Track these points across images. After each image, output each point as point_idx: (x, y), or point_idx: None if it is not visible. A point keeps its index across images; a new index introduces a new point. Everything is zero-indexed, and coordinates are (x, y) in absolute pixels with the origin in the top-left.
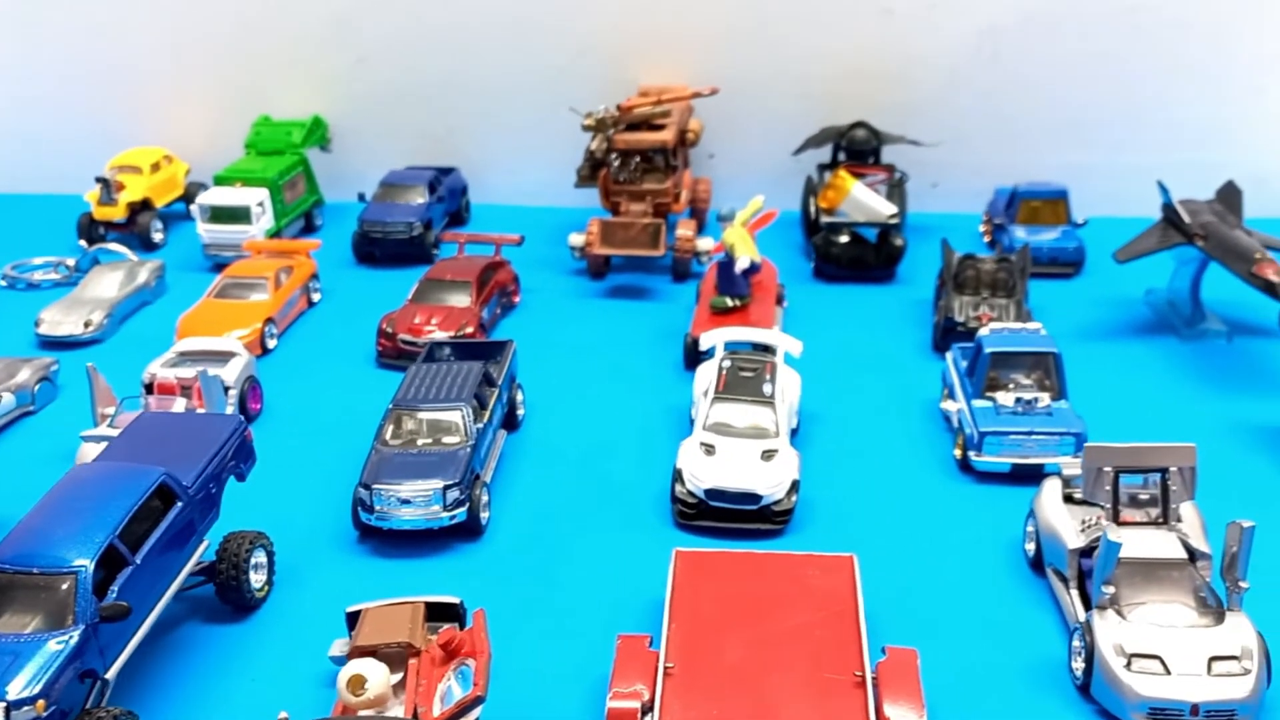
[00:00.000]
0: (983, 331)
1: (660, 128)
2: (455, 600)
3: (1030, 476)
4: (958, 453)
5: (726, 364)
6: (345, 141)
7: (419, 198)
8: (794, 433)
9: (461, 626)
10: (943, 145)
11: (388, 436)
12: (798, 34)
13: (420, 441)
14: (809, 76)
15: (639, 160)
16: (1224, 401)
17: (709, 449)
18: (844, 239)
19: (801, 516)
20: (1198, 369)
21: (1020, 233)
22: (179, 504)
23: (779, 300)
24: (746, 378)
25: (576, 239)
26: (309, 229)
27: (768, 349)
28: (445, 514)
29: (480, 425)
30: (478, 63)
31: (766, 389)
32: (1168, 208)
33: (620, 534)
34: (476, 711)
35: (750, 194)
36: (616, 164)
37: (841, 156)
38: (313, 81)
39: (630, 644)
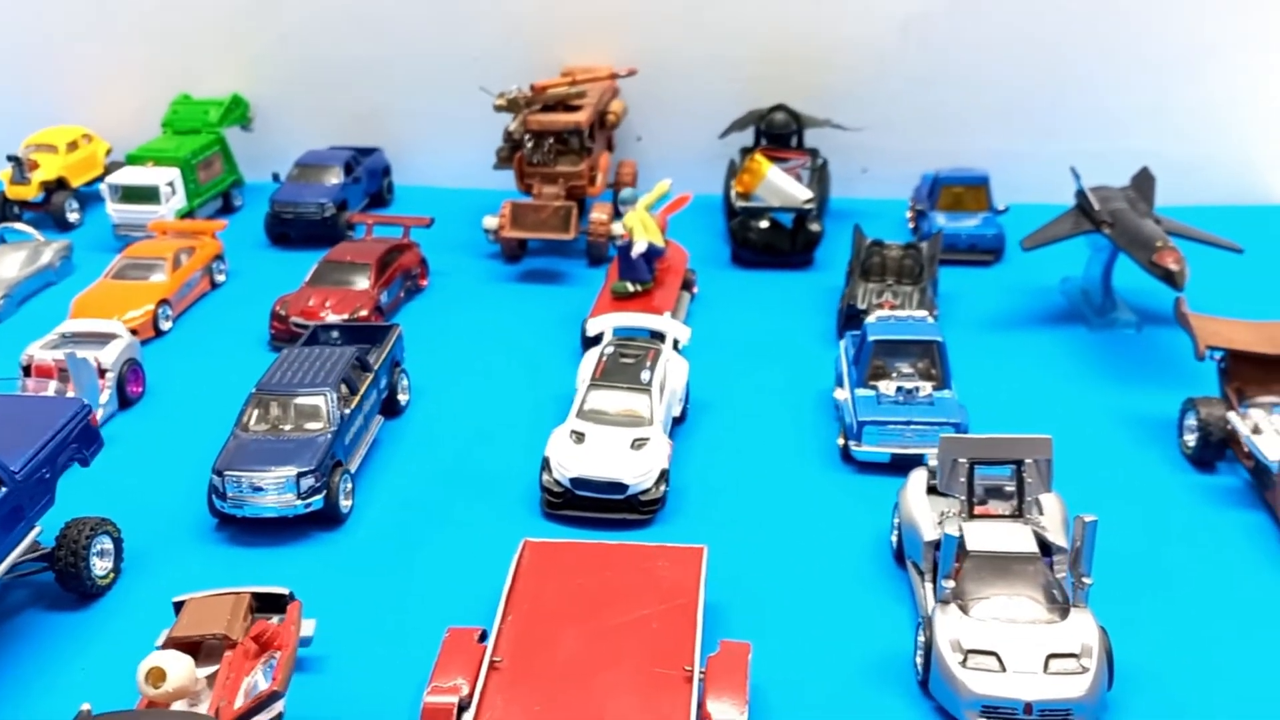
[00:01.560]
0: (869, 319)
1: (577, 109)
2: (284, 591)
3: (910, 467)
4: (841, 442)
5: (609, 350)
6: (268, 121)
7: (333, 178)
8: (680, 420)
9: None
10: (868, 130)
11: (248, 421)
12: (726, 16)
13: (283, 427)
14: (737, 59)
15: (553, 142)
16: (1121, 392)
17: (579, 437)
18: (764, 224)
19: (674, 506)
20: (1101, 359)
21: (941, 219)
22: (3, 489)
23: (688, 285)
24: (626, 364)
25: (490, 221)
26: (227, 209)
27: (660, 336)
28: (300, 502)
29: (347, 411)
30: (402, 42)
31: (644, 376)
32: (1080, 194)
33: (485, 524)
34: (278, 707)
35: (678, 177)
36: (530, 145)
37: (764, 141)
38: (236, 60)
39: (457, 637)
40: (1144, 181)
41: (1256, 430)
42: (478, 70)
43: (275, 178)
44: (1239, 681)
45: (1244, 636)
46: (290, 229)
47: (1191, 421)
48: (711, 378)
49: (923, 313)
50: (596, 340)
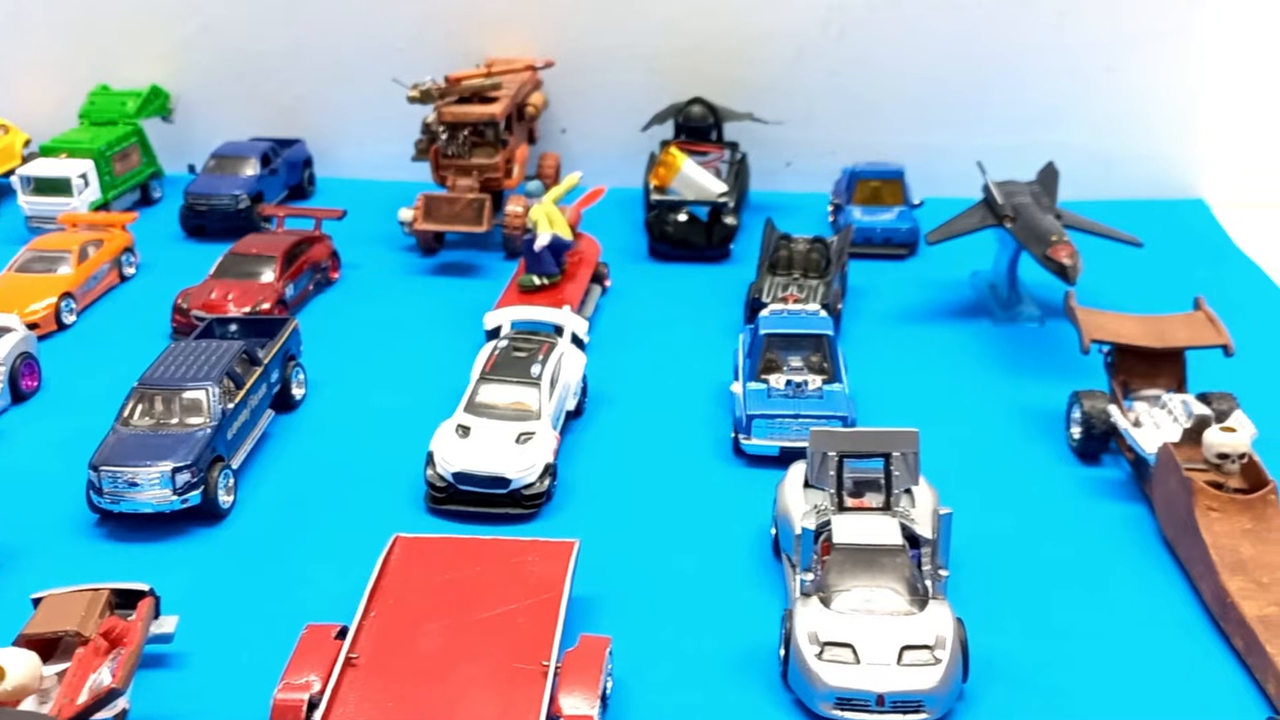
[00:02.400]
0: (763, 313)
1: (492, 101)
2: (144, 587)
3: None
4: (733, 435)
5: (502, 344)
6: (191, 112)
7: (250, 170)
8: (576, 414)
9: (157, 614)
10: (791, 123)
11: (129, 416)
12: (649, 7)
13: (166, 421)
14: (659, 51)
15: (467, 134)
16: (1017, 385)
17: (464, 431)
18: (682, 217)
19: (561, 500)
20: (1002, 352)
21: (858, 213)
22: None
23: (599, 279)
24: (518, 358)
25: (406, 214)
26: (146, 201)
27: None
28: (176, 497)
29: (231, 406)
30: (325, 32)
31: (534, 370)
32: (985, 189)
33: (367, 520)
34: (120, 704)
35: (601, 170)
36: (444, 138)
37: (683, 135)
38: (157, 50)
39: (314, 634)
40: (1049, 176)
41: (1137, 423)
42: (401, 61)
43: (191, 169)
44: (1098, 673)
45: (1107, 628)
46: (205, 221)
47: (1076, 414)
48: (614, 371)
49: (815, 306)
50: (498, 334)
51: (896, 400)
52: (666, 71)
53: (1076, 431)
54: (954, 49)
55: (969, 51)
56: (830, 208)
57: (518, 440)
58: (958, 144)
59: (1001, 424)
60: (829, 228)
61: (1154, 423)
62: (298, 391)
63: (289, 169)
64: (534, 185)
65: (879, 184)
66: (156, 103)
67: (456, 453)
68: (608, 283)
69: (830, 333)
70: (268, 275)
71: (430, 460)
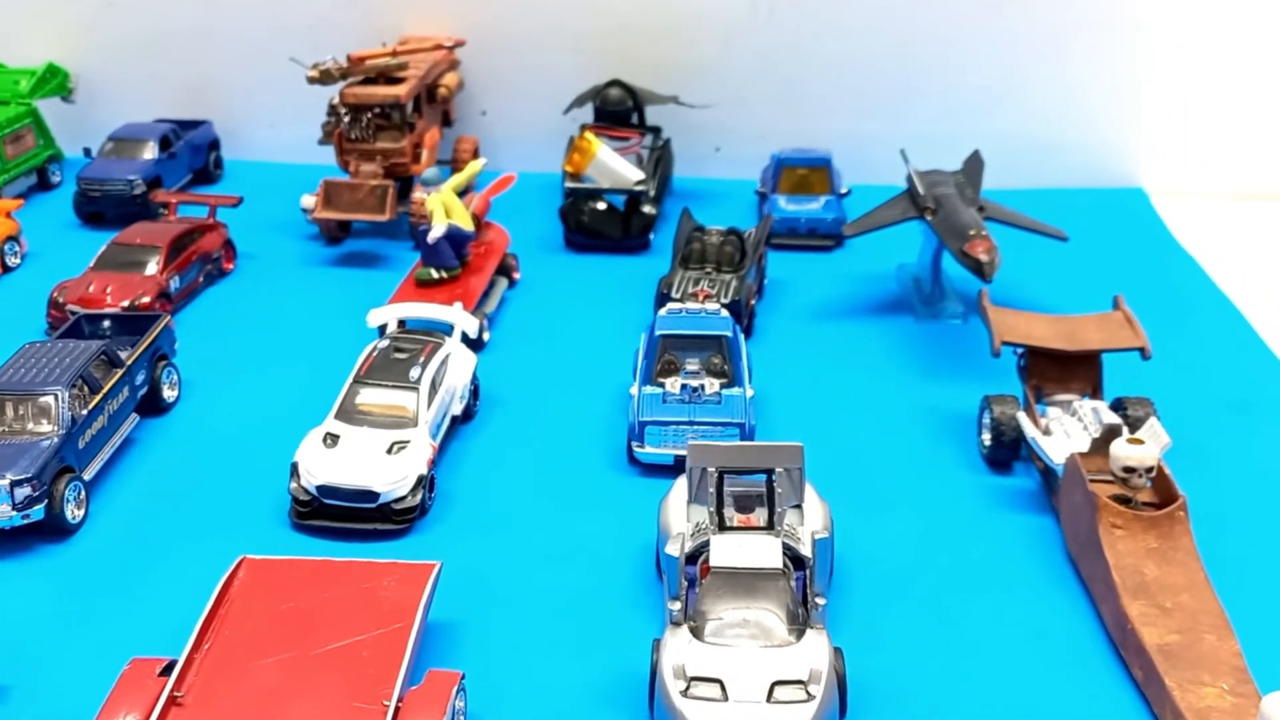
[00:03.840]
0: (661, 312)
1: (400, 81)
2: None
3: None
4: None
5: (383, 344)
6: (93, 92)
7: (147, 153)
8: (465, 419)
9: None
10: (719, 107)
11: None
12: None
13: (11, 429)
14: (584, 31)
15: (370, 117)
16: (934, 386)
17: (332, 440)
18: (600, 206)
19: (438, 514)
20: (921, 351)
21: (783, 202)
22: None
23: (507, 271)
24: (398, 360)
25: (307, 200)
26: (43, 186)
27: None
28: (15, 513)
29: (85, 412)
30: (232, 7)
31: (413, 373)
32: (908, 179)
33: (227, 536)
34: None
35: (522, 154)
36: (347, 120)
37: (605, 120)
38: (54, 26)
39: (138, 669)
40: (974, 165)
41: (1046, 431)
42: (310, 38)
43: (86, 153)
44: (987, 701)
45: (1000, 652)
46: (100, 208)
47: (986, 420)
48: (512, 370)
49: (716, 306)
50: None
51: (804, 403)
52: (592, 52)
53: (986, 438)
54: (888, 32)
55: (903, 34)
56: (758, 197)
57: (390, 450)
58: (891, 130)
59: (912, 428)
60: (757, 216)
61: (1064, 431)
62: (169, 393)
63: (192, 152)
64: (430, 173)
65: (805, 172)
66: (54, 82)
67: (321, 464)
68: (516, 275)
69: (729, 334)
70: (151, 267)
71: (294, 472)
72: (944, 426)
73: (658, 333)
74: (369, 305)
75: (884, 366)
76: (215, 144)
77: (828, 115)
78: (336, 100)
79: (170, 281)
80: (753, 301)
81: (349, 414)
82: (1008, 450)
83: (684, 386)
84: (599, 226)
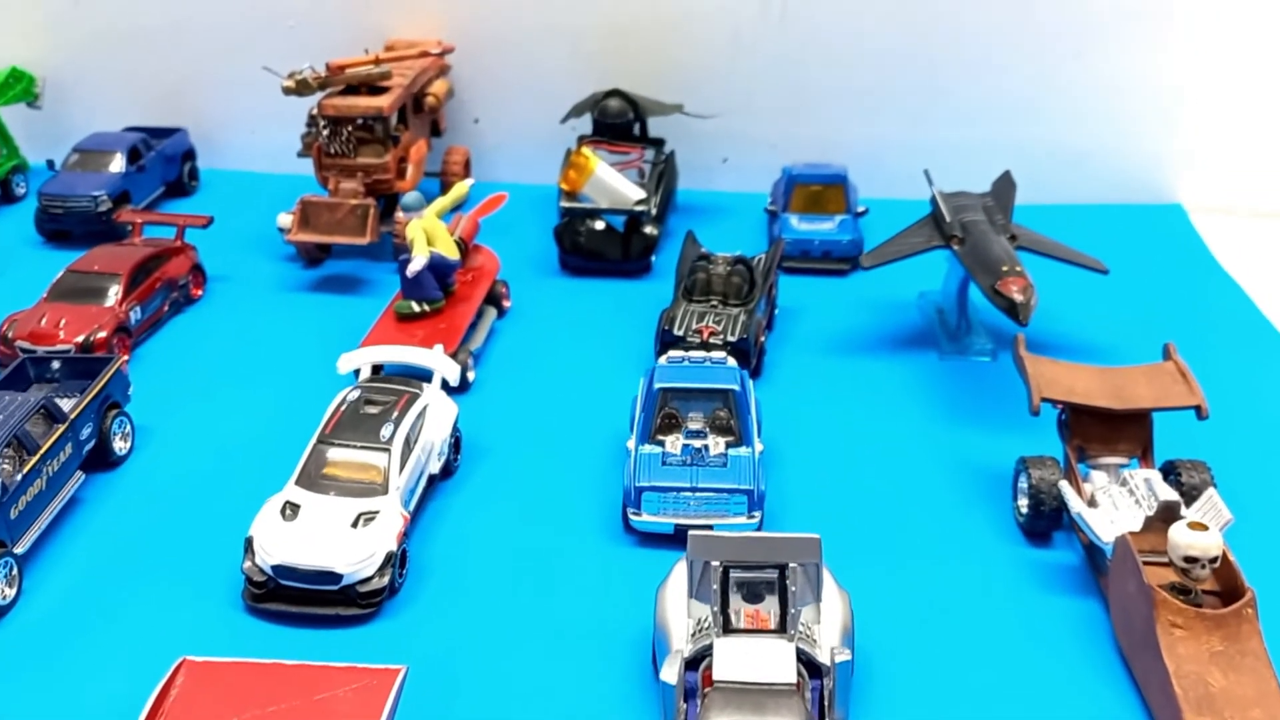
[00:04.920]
0: (661, 360)
1: (383, 91)
2: None
3: None
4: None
5: (352, 395)
6: (63, 97)
7: (114, 166)
8: (446, 475)
9: None
10: (727, 115)
11: None
12: None
13: None
14: (583, 33)
15: (351, 130)
16: (962, 436)
17: (291, 510)
18: (599, 225)
19: (410, 592)
20: (947, 393)
21: (794, 222)
22: None
23: (496, 300)
24: (369, 415)
25: (284, 220)
26: (8, 198)
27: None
28: None
29: (19, 478)
30: (210, 6)
31: (385, 431)
32: (932, 202)
33: (174, 621)
34: None
35: (518, 164)
36: (326, 134)
37: (605, 133)
38: (20, 28)
39: None
40: (1004, 187)
41: (1092, 502)
42: (293, 39)
43: (50, 165)
44: None
45: None
46: (63, 225)
47: (1024, 485)
48: (500, 415)
49: (721, 355)
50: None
51: (817, 455)
52: (591, 55)
53: (1023, 504)
54: (908, 33)
55: (924, 36)
56: (768, 215)
57: (356, 523)
58: (911, 139)
59: (939, 487)
60: (766, 236)
61: (1112, 502)
62: (120, 445)
63: (165, 163)
64: (411, 197)
65: (819, 189)
66: (18, 87)
67: (278, 540)
68: (506, 304)
69: (737, 388)
70: (110, 297)
71: (249, 548)
72: (974, 484)
73: (657, 385)
74: (349, 336)
75: (906, 411)
76: (190, 153)
77: (844, 123)
78: (316, 110)
79: (130, 313)
80: (762, 338)
81: (311, 479)
82: (1047, 521)
83: (685, 447)
84: (597, 248)
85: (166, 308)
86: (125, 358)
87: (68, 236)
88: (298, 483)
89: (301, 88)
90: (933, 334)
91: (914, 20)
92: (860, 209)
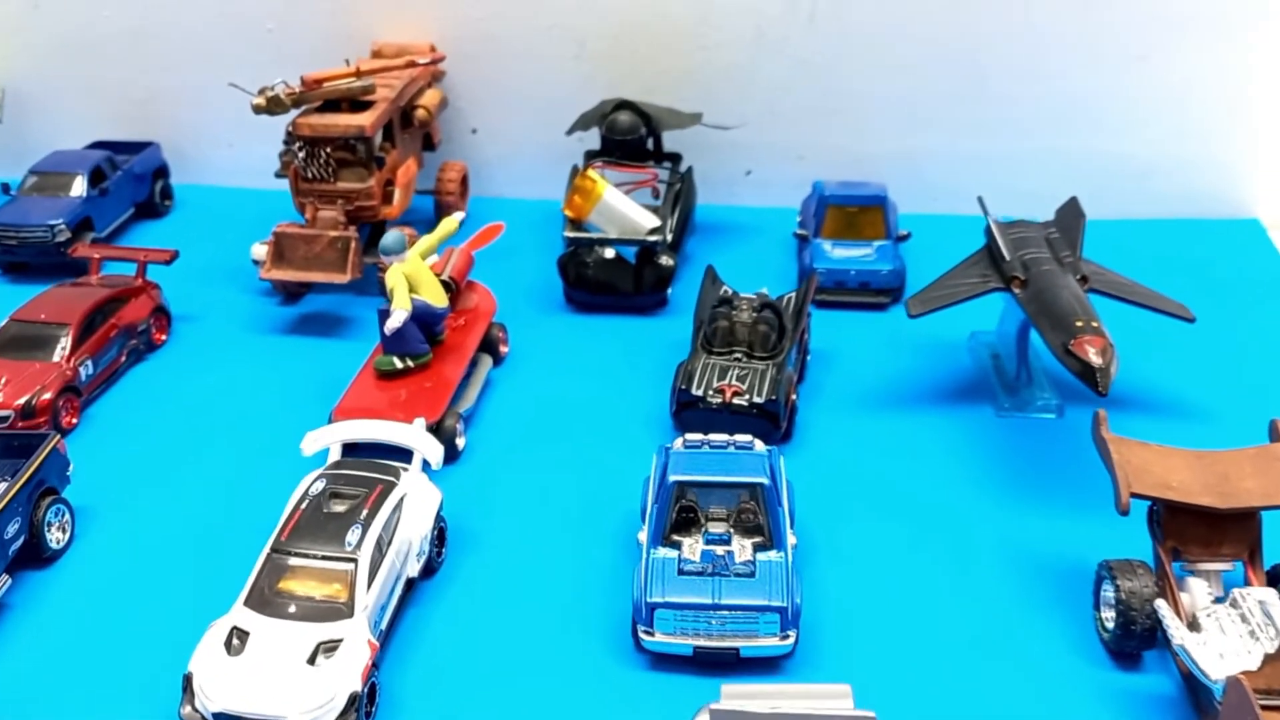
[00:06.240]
0: (675, 445)
1: (366, 106)
2: None
3: (723, 664)
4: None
5: (316, 487)
6: (24, 109)
7: (75, 190)
8: (428, 574)
9: None
10: (750, 124)
11: None
12: None
13: None
14: (589, 33)
15: (330, 151)
16: (1025, 515)
17: (239, 639)
18: (608, 253)
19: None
20: (1006, 460)
21: (828, 248)
22: None
23: (493, 346)
24: (334, 514)
25: (259, 251)
26: None
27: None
28: None
29: None
30: (183, 9)
31: (351, 536)
32: (988, 234)
33: None
34: None
35: (520, 178)
36: (302, 156)
37: (615, 152)
38: None
39: None
40: (1070, 217)
41: (1194, 625)
42: (270, 44)
43: (5, 190)
44: None
45: None
46: (20, 257)
47: (1109, 594)
48: (492, 494)
49: (748, 437)
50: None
51: (855, 540)
52: (598, 59)
53: (1108, 618)
54: (952, 32)
55: (970, 35)
56: (797, 240)
57: (314, 656)
58: (954, 149)
59: (1000, 582)
60: (795, 261)
61: (1219, 626)
62: (57, 537)
63: (134, 182)
64: (391, 239)
65: (855, 211)
66: None
67: (222, 680)
68: (504, 349)
69: (766, 481)
70: (57, 351)
71: (187, 687)
72: (1043, 580)
73: (672, 478)
74: (327, 389)
75: (958, 483)
76: (163, 170)
77: (880, 132)
78: (292, 129)
79: (81, 369)
80: (794, 396)
81: (264, 598)
82: (1139, 641)
83: (706, 553)
84: (606, 279)
85: (124, 358)
86: (59, 438)
87: (25, 269)
88: (247, 602)
89: (274, 105)
90: (987, 383)
91: (959, 17)
92: (902, 233)
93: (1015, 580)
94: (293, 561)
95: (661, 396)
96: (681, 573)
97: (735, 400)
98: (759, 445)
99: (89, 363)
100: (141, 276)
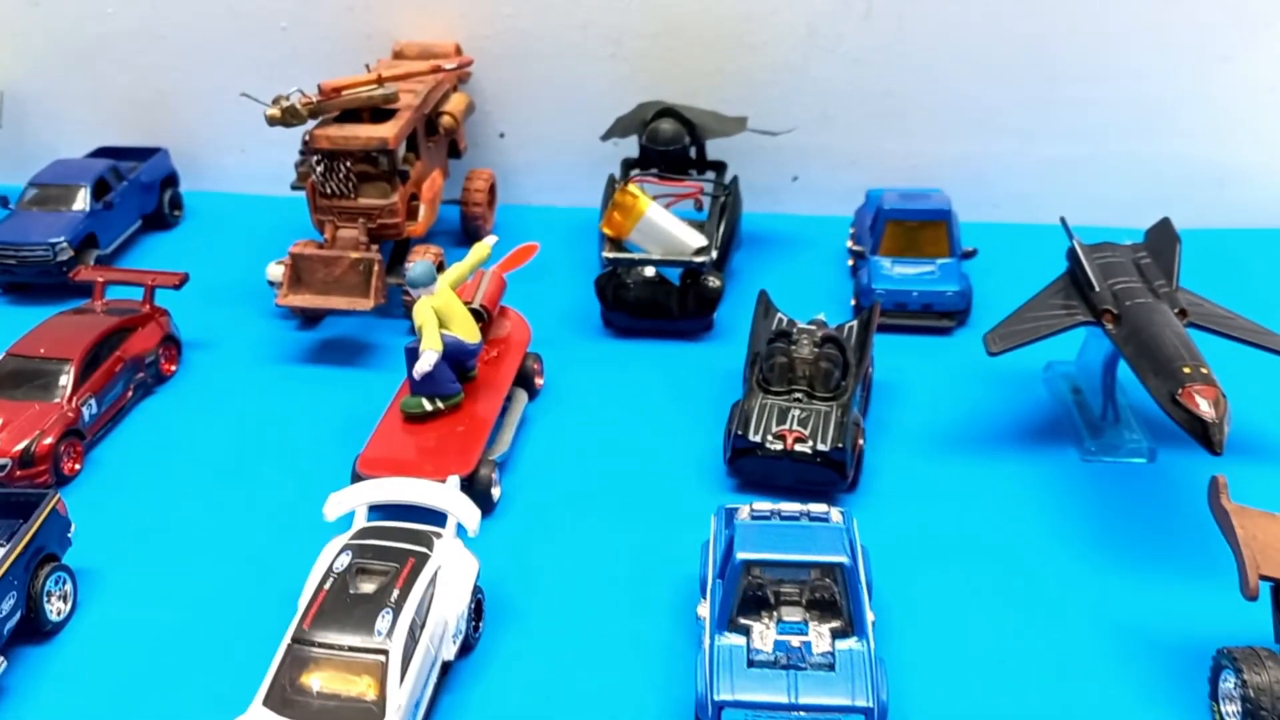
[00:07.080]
0: (740, 514)
1: (389, 115)
2: None
3: None
4: None
5: (342, 562)
6: (25, 113)
7: (78, 204)
8: (466, 652)
9: None
10: (796, 130)
11: None
12: None
13: None
14: (624, 31)
15: (350, 165)
16: (1121, 580)
17: None
18: (649, 272)
19: None
20: (1094, 513)
21: (887, 266)
22: None
23: (528, 379)
24: (361, 594)
25: (274, 272)
26: None
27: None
28: None
29: None
30: (190, 6)
31: (382, 623)
32: (1072, 257)
33: None
34: None
35: (553, 186)
36: (320, 170)
37: (660, 165)
38: None
39: None
40: (1163, 239)
41: None
42: (285, 43)
43: (4, 204)
44: None
45: None
46: (20, 278)
47: (1229, 686)
48: (531, 555)
49: (824, 507)
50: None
51: (930, 609)
52: (636, 58)
53: (1231, 711)
54: (1019, 30)
55: (1038, 34)
56: (850, 258)
57: None
58: (1020, 155)
59: (1101, 662)
60: (849, 278)
61: None
62: (57, 608)
63: (141, 192)
64: (419, 270)
65: (916, 227)
66: None
67: None
68: (539, 382)
69: (847, 561)
70: (58, 390)
71: None
72: (1151, 659)
73: (739, 557)
74: (351, 428)
75: (1046, 538)
76: (172, 178)
77: (939, 136)
78: (309, 140)
79: (84, 409)
80: (860, 441)
81: (283, 697)
82: None
83: (779, 643)
84: (648, 300)
85: (130, 393)
86: (59, 498)
87: (26, 289)
88: (266, 701)
89: (289, 116)
90: (1067, 421)
91: (1027, 14)
92: (967, 249)
93: (1118, 657)
94: (316, 654)
95: (712, 435)
96: (751, 664)
97: (797, 447)
98: (835, 515)
99: (92, 401)
100: (149, 302)
